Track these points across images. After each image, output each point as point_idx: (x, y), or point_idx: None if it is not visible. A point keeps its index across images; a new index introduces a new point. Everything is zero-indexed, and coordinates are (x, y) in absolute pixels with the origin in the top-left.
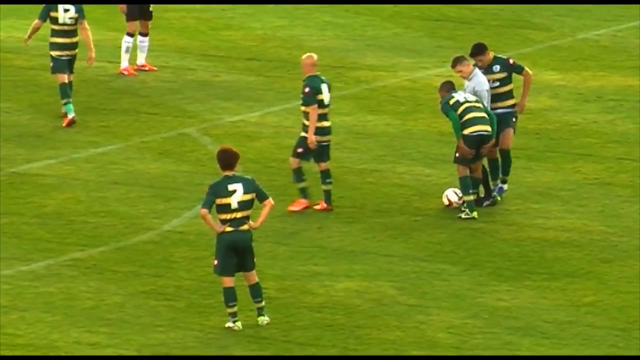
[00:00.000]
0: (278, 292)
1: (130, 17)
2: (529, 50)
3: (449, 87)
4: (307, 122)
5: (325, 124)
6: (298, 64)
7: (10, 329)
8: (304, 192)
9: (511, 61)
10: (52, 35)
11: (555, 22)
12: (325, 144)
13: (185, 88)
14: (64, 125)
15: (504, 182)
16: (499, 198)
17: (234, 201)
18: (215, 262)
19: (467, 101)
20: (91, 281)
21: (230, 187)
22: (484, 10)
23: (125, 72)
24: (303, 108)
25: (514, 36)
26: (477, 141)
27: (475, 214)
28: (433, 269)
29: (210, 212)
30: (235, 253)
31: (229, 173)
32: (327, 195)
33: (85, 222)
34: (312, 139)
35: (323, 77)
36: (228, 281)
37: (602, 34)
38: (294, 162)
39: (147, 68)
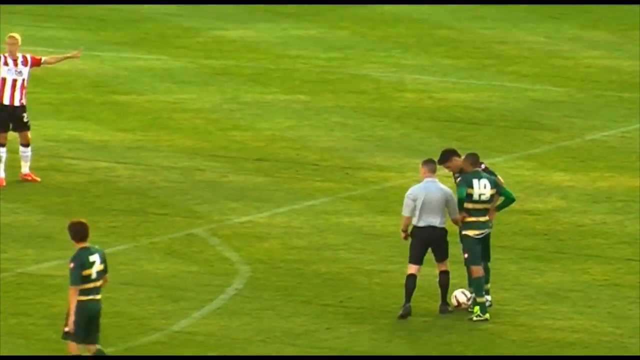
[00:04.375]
0: None
1: None
2: (537, 151)
3: (474, 160)
4: None
5: None
6: (307, 165)
7: None
8: None
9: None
10: None
11: (564, 123)
12: None
13: (194, 188)
14: None
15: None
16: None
17: (94, 271)
18: (69, 329)
19: (480, 201)
20: None
21: (91, 259)
22: (492, 111)
23: None
24: None
25: (522, 137)
26: (480, 242)
27: (487, 315)
28: None
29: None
30: (92, 322)
31: (84, 245)
32: None
33: None
34: None
35: None
36: (76, 349)
37: (611, 135)
38: None
39: (30, 178)
